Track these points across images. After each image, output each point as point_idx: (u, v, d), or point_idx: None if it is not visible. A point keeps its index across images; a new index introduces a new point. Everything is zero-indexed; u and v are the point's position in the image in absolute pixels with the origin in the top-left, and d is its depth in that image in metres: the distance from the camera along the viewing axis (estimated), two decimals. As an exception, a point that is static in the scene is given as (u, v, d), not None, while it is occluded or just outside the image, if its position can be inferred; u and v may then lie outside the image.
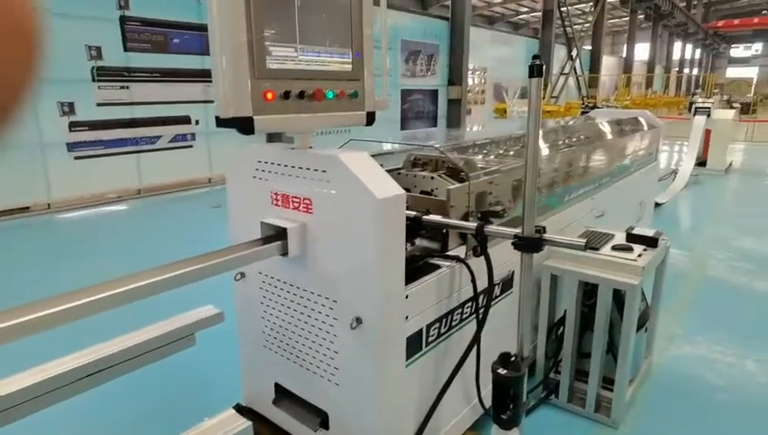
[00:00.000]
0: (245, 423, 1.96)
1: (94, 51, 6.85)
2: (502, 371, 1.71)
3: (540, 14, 18.85)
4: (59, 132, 6.70)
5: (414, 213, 1.90)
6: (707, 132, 9.69)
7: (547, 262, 2.57)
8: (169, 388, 2.78)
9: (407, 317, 1.71)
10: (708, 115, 9.66)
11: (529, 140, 1.64)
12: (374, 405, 1.68)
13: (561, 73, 20.09)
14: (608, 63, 27.32)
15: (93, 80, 6.92)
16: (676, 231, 6.06)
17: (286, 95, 1.49)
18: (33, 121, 6.46)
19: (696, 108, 9.93)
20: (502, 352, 1.78)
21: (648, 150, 4.87)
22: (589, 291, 2.51)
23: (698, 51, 44.01)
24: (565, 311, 2.56)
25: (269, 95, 1.46)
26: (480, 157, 2.84)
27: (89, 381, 1.47)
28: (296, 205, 1.69)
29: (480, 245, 1.84)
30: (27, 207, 6.64)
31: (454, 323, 2.01)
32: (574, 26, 20.72)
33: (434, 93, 13.71)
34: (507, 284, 2.33)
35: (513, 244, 1.69)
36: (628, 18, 28.11)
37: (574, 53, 20.26)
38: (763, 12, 40.12)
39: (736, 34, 45.20)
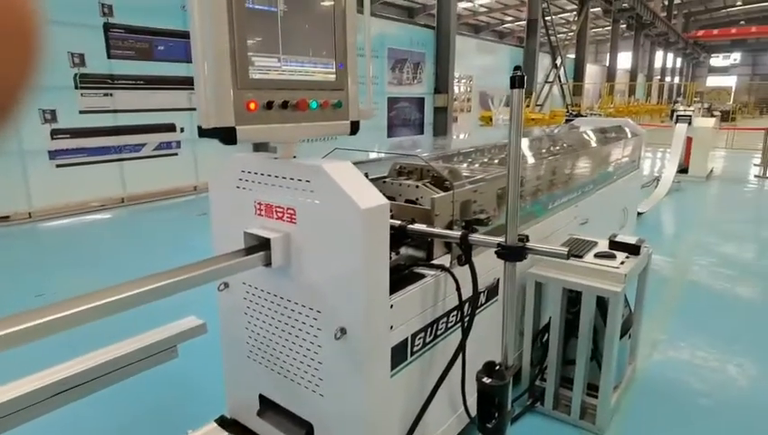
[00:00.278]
0: (229, 436, 1.94)
1: (77, 58, 6.78)
2: (486, 380, 1.71)
3: (524, 23, 19.09)
4: (40, 140, 6.61)
5: (399, 222, 1.91)
6: (689, 140, 9.87)
7: (531, 269, 2.58)
8: (153, 399, 2.74)
9: (391, 327, 1.70)
10: (689, 123, 9.85)
11: (511, 149, 1.65)
12: (359, 416, 1.67)
13: (546, 82, 20.33)
14: (591, 72, 27.75)
15: (76, 87, 6.85)
16: (659, 237, 6.14)
17: (269, 105, 1.49)
18: (14, 129, 6.36)
19: (678, 116, 10.12)
20: (486, 361, 1.78)
21: (631, 158, 4.94)
22: (573, 298, 2.53)
23: (679, 60, 44.92)
24: (550, 318, 2.57)
25: (252, 105, 1.45)
26: (465, 165, 2.86)
27: (67, 395, 1.44)
28: (280, 215, 1.68)
29: (464, 253, 1.85)
30: (7, 217, 6.52)
31: (439, 332, 2.01)
32: (558, 35, 21.01)
33: (420, 101, 13.80)
34: (492, 291, 2.34)
35: (496, 253, 1.70)
36: (610, 27, 28.61)
37: (558, 61, 20.53)
38: (741, 22, 41.14)
39: (715, 44, 46.29)
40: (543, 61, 20.22)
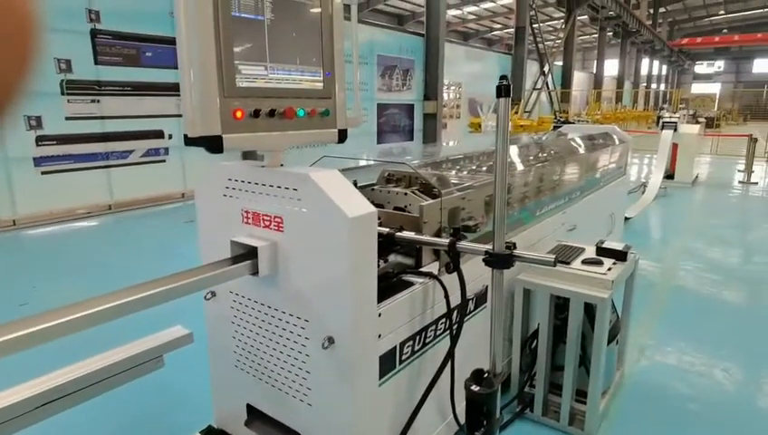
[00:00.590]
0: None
1: (63, 64, 6.72)
2: (475, 387, 1.71)
3: (513, 30, 19.26)
4: (25, 147, 6.52)
5: (387, 230, 1.91)
6: (674, 146, 10.00)
7: (520, 276, 2.59)
8: (139, 410, 2.70)
9: (379, 335, 1.70)
10: (675, 129, 9.98)
11: (498, 157, 1.66)
12: (347, 425, 1.66)
13: (534, 89, 20.51)
14: (579, 79, 28.04)
15: (62, 93, 6.78)
16: (646, 243, 6.20)
17: (256, 114, 1.48)
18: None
19: (664, 122, 10.25)
20: (475, 369, 1.78)
21: (618, 164, 4.99)
22: (561, 305, 2.54)
23: (665, 67, 45.61)
24: (538, 325, 2.58)
25: (238, 114, 1.45)
26: (453, 172, 2.87)
27: (51, 407, 1.42)
28: (267, 223, 1.67)
29: (453, 261, 1.85)
30: (-9, 224, 6.43)
31: (428, 340, 2.00)
32: (546, 43, 21.22)
33: (410, 108, 13.85)
34: (481, 298, 2.34)
35: (483, 260, 1.71)
36: (597, 35, 28.97)
37: (546, 68, 20.72)
38: (724, 31, 41.89)
39: (700, 52, 47.08)
40: (531, 68, 20.38)
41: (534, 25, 19.53)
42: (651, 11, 33.80)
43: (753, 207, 8.77)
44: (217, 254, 1.73)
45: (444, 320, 2.05)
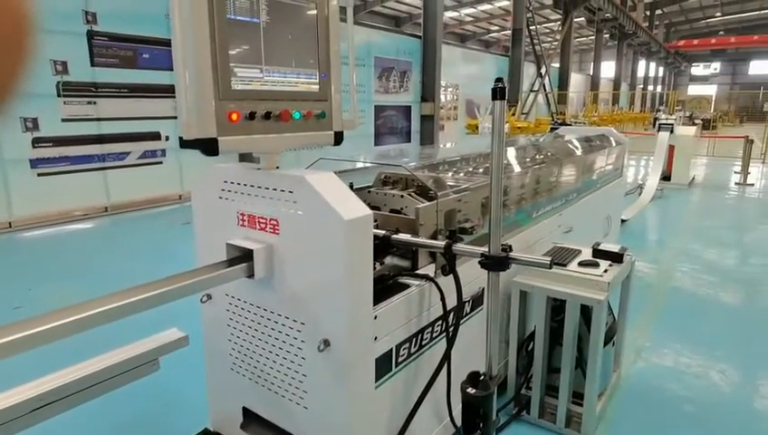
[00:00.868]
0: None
1: (60, 65, 6.71)
2: (471, 390, 1.71)
3: (510, 32, 19.31)
4: (21, 148, 6.51)
5: (383, 232, 1.91)
6: (671, 148, 10.03)
7: (516, 278, 2.59)
8: (135, 412, 2.69)
9: (375, 338, 1.70)
10: (671, 131, 10.01)
11: (493, 160, 1.66)
12: (343, 428, 1.66)
13: (531, 90, 20.55)
14: (576, 81, 28.12)
15: (59, 95, 6.76)
16: (643, 244, 6.21)
17: (252, 116, 1.48)
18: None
19: (660, 124, 10.28)
20: (471, 372, 1.78)
21: (614, 166, 5.00)
22: (557, 307, 2.54)
23: (661, 69, 45.78)
24: (535, 327, 2.58)
25: (234, 116, 1.45)
26: (450, 174, 2.87)
27: (45, 411, 1.41)
28: (263, 226, 1.67)
29: (448, 263, 1.85)
30: (-13, 226, 6.41)
31: (424, 343, 2.00)
32: (543, 45, 21.29)
33: (407, 109, 13.86)
34: (477, 300, 2.34)
35: (479, 263, 1.71)
36: (594, 37, 29.06)
37: (543, 70, 20.78)
38: (720, 33, 42.08)
39: (696, 54, 47.29)
40: (528, 70, 20.44)
41: (531, 27, 19.59)
42: (648, 13, 33.94)
43: (750, 209, 8.80)
44: (213, 256, 1.73)
45: (440, 322, 2.05)
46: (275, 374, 1.80)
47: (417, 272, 1.99)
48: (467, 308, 2.25)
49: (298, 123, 1.61)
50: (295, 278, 1.64)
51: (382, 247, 1.91)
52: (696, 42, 41.17)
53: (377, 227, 2.02)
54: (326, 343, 1.59)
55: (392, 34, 14.08)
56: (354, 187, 2.30)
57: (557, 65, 23.82)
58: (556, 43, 22.81)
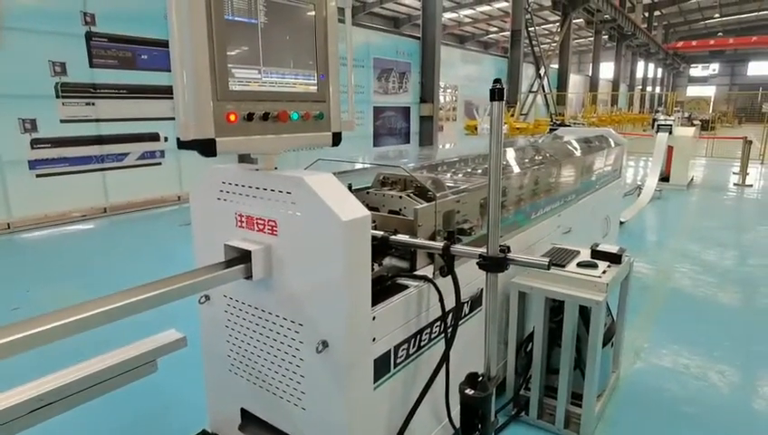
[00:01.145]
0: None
1: (58, 66, 6.70)
2: (469, 391, 1.71)
3: (509, 33, 19.33)
4: (20, 150, 6.50)
5: (381, 233, 1.91)
6: (670, 149, 10.04)
7: (515, 279, 2.59)
8: (134, 413, 2.68)
9: (374, 339, 1.69)
10: (670, 132, 10.02)
11: (492, 160, 1.66)
12: (342, 429, 1.66)
13: (530, 91, 20.57)
14: (574, 81, 28.15)
15: (57, 96, 6.76)
16: (642, 245, 6.22)
17: (250, 117, 1.48)
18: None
19: (659, 125, 10.30)
20: (469, 373, 1.78)
21: (613, 167, 5.01)
22: (556, 307, 2.54)
23: (660, 70, 45.84)
24: (534, 327, 2.58)
25: (232, 117, 1.44)
26: (449, 175, 2.87)
27: (42, 412, 1.41)
28: (261, 227, 1.67)
29: (447, 264, 1.85)
30: (-15, 228, 6.40)
31: (423, 344, 2.00)
32: (542, 46, 21.32)
33: (406, 110, 13.87)
34: (476, 301, 2.34)
35: (477, 264, 1.71)
36: (593, 38, 29.10)
37: (542, 71, 20.80)
38: (719, 34, 42.15)
39: (695, 55, 47.37)
40: (527, 71, 20.47)
41: (530, 29, 19.61)
42: (646, 14, 33.99)
43: (748, 210, 8.80)
44: (212, 257, 1.73)
45: (439, 323, 2.05)
46: (273, 375, 1.80)
47: (415, 273, 1.99)
48: (466, 309, 2.25)
49: (296, 124, 1.61)
50: (293, 279, 1.63)
51: (381, 248, 1.91)
52: (694, 43, 41.25)
53: (375, 227, 2.02)
54: (324, 344, 1.58)
55: (391, 35, 14.10)
56: (353, 188, 2.30)
57: (556, 66, 23.85)
58: (555, 44, 22.85)
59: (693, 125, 12.37)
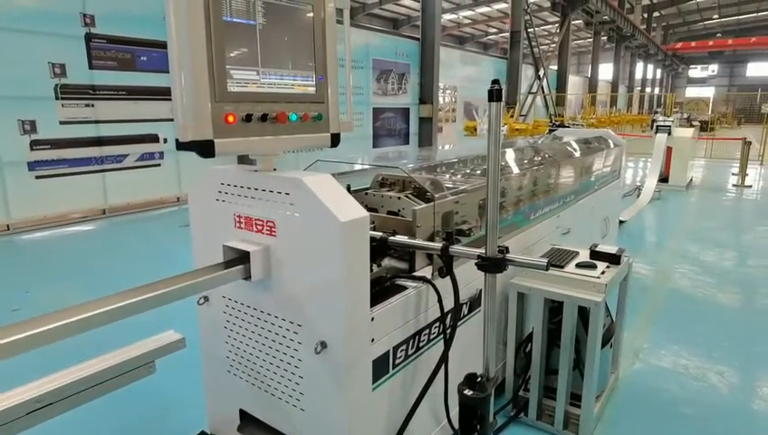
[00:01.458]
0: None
1: (58, 68, 6.70)
2: (468, 392, 1.71)
3: (508, 34, 19.35)
4: (19, 151, 6.50)
5: (380, 234, 1.91)
6: (669, 149, 10.05)
7: (514, 280, 2.59)
8: (132, 415, 2.68)
9: (372, 340, 1.69)
10: (669, 133, 10.03)
11: (490, 161, 1.67)
12: (341, 430, 1.66)
13: (530, 92, 20.58)
14: (574, 83, 28.19)
15: (57, 97, 6.75)
16: (641, 246, 6.22)
17: (248, 118, 1.48)
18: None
19: (658, 126, 10.31)
20: (468, 373, 1.78)
21: (612, 168, 5.01)
22: (555, 308, 2.54)
23: (659, 71, 45.88)
24: (533, 328, 2.58)
25: (230, 118, 1.45)
26: (447, 176, 2.87)
27: (40, 414, 1.40)
28: (259, 228, 1.67)
29: (445, 265, 1.85)
30: (-15, 229, 6.40)
31: (422, 344, 2.00)
32: (541, 47, 21.33)
33: (405, 111, 13.87)
34: (475, 302, 2.34)
35: (476, 264, 1.71)
36: (592, 39, 29.13)
37: (541, 72, 20.82)
38: (718, 35, 42.20)
39: (694, 56, 47.43)
40: (527, 72, 20.48)
41: (529, 30, 19.62)
42: (645, 15, 34.03)
43: (748, 210, 8.81)
44: (210, 258, 1.73)
45: (438, 324, 2.05)
46: (272, 376, 1.80)
47: (414, 274, 1.99)
48: (465, 310, 2.25)
49: (295, 125, 1.61)
50: (292, 280, 1.63)
51: (379, 249, 1.91)
52: (693, 44, 41.33)
53: (374, 228, 2.03)
54: (323, 344, 1.58)
55: (390, 37, 14.10)
56: (351, 188, 2.30)
57: (555, 67, 23.87)
58: (554, 45, 22.87)
59: (692, 126, 12.39)
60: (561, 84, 23.51)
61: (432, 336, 2.05)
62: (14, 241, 6.31)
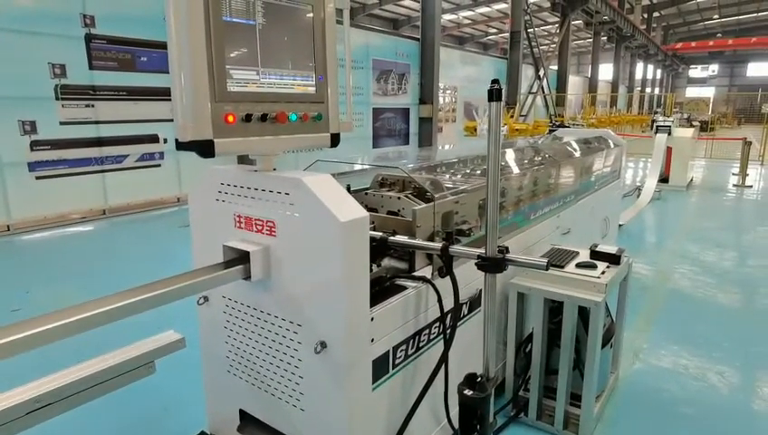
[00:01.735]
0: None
1: (58, 69, 6.70)
2: (468, 392, 1.71)
3: (508, 35, 19.35)
4: (19, 152, 6.50)
5: (380, 234, 1.91)
6: (669, 149, 10.05)
7: (514, 280, 2.59)
8: (132, 415, 2.68)
9: (372, 340, 1.69)
10: (669, 133, 10.03)
11: (490, 161, 1.67)
12: (341, 430, 1.66)
13: (530, 93, 20.58)
14: (574, 83, 28.18)
15: (57, 98, 6.76)
16: (641, 246, 6.22)
17: (248, 118, 1.48)
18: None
19: (658, 126, 10.31)
20: (468, 373, 1.78)
21: (612, 168, 5.01)
22: (555, 308, 2.54)
23: (659, 71, 45.87)
24: (533, 328, 2.58)
25: (230, 118, 1.45)
26: (447, 176, 2.87)
27: (39, 414, 1.40)
28: (259, 228, 1.67)
29: (445, 265, 1.85)
30: (-15, 229, 6.40)
31: (422, 344, 2.00)
32: (541, 47, 21.33)
33: (405, 112, 13.87)
34: (475, 302, 2.34)
35: (476, 264, 1.71)
36: (592, 40, 29.13)
37: (541, 72, 20.81)
38: (718, 35, 42.19)
39: (694, 56, 47.42)
40: (527, 72, 20.47)
41: (529, 30, 19.62)
42: (645, 15, 34.02)
43: (748, 211, 8.81)
44: (210, 258, 1.73)
45: (437, 324, 2.05)
46: (272, 377, 1.80)
47: (414, 274, 1.99)
48: (465, 310, 2.25)
49: (294, 125, 1.61)
50: (292, 280, 1.63)
51: (379, 249, 1.91)
52: (693, 44, 41.31)
53: (374, 228, 2.03)
54: (323, 344, 1.58)
55: (390, 37, 14.10)
56: (351, 189, 2.30)
57: (555, 68, 23.87)
58: (554, 45, 22.86)
59: (692, 126, 12.39)
60: (561, 84, 23.51)
61: (432, 336, 2.05)
62: (15, 241, 6.31)
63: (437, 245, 1.82)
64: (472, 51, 22.90)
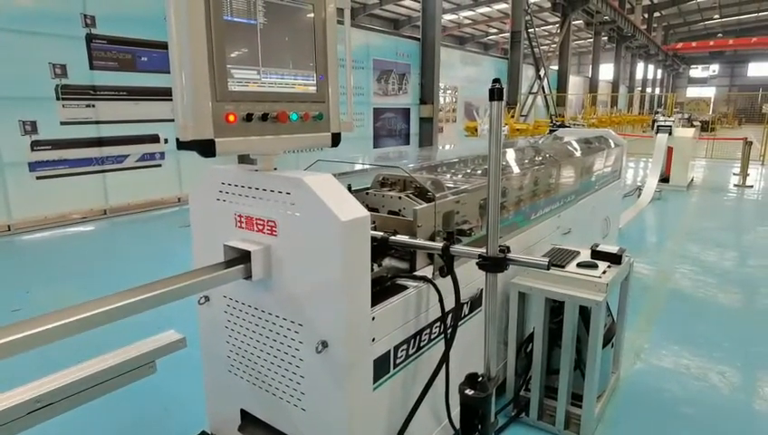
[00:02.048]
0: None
1: (59, 69, 6.71)
2: (469, 391, 1.71)
3: (508, 35, 19.34)
4: (20, 152, 6.50)
5: (381, 234, 1.91)
6: (669, 149, 10.04)
7: (515, 280, 2.59)
8: (132, 415, 2.68)
9: (373, 339, 1.69)
10: (670, 133, 10.02)
11: (491, 161, 1.66)
12: (342, 430, 1.65)
13: (530, 93, 20.57)
14: (574, 83, 28.17)
15: (57, 98, 6.76)
16: (642, 246, 6.21)
17: (249, 117, 1.48)
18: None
19: (659, 126, 10.30)
20: (469, 373, 1.78)
21: (613, 168, 5.01)
22: (556, 308, 2.54)
23: (660, 71, 45.83)
24: (534, 328, 2.58)
25: (231, 117, 1.45)
26: (448, 176, 2.87)
27: (39, 414, 1.40)
28: (260, 227, 1.67)
29: (446, 265, 1.84)
30: (-14, 229, 6.40)
31: (423, 344, 2.00)
32: (541, 47, 21.32)
33: (406, 112, 13.87)
34: (476, 302, 2.34)
35: (477, 264, 1.71)
36: (592, 39, 29.13)
37: (542, 72, 20.80)
38: (719, 35, 42.17)
39: (694, 56, 47.39)
40: (527, 72, 20.46)
41: (530, 30, 19.61)
42: (646, 15, 34.01)
43: (749, 211, 8.80)
44: (211, 258, 1.73)
45: (438, 324, 2.04)
46: (273, 376, 1.79)
47: (415, 273, 1.99)
48: (466, 310, 2.25)
49: (295, 125, 1.61)
50: (293, 279, 1.63)
51: (380, 249, 1.91)
52: (694, 44, 41.29)
53: (375, 228, 2.03)
54: (324, 344, 1.58)
55: (391, 37, 14.10)
56: (352, 188, 2.30)
57: (555, 68, 23.86)
58: (555, 45, 22.85)
59: (693, 126, 12.38)
60: (562, 84, 23.50)
61: (433, 336, 2.05)
62: (15, 241, 6.31)
63: (438, 244, 1.82)
64: (472, 51, 22.89)
